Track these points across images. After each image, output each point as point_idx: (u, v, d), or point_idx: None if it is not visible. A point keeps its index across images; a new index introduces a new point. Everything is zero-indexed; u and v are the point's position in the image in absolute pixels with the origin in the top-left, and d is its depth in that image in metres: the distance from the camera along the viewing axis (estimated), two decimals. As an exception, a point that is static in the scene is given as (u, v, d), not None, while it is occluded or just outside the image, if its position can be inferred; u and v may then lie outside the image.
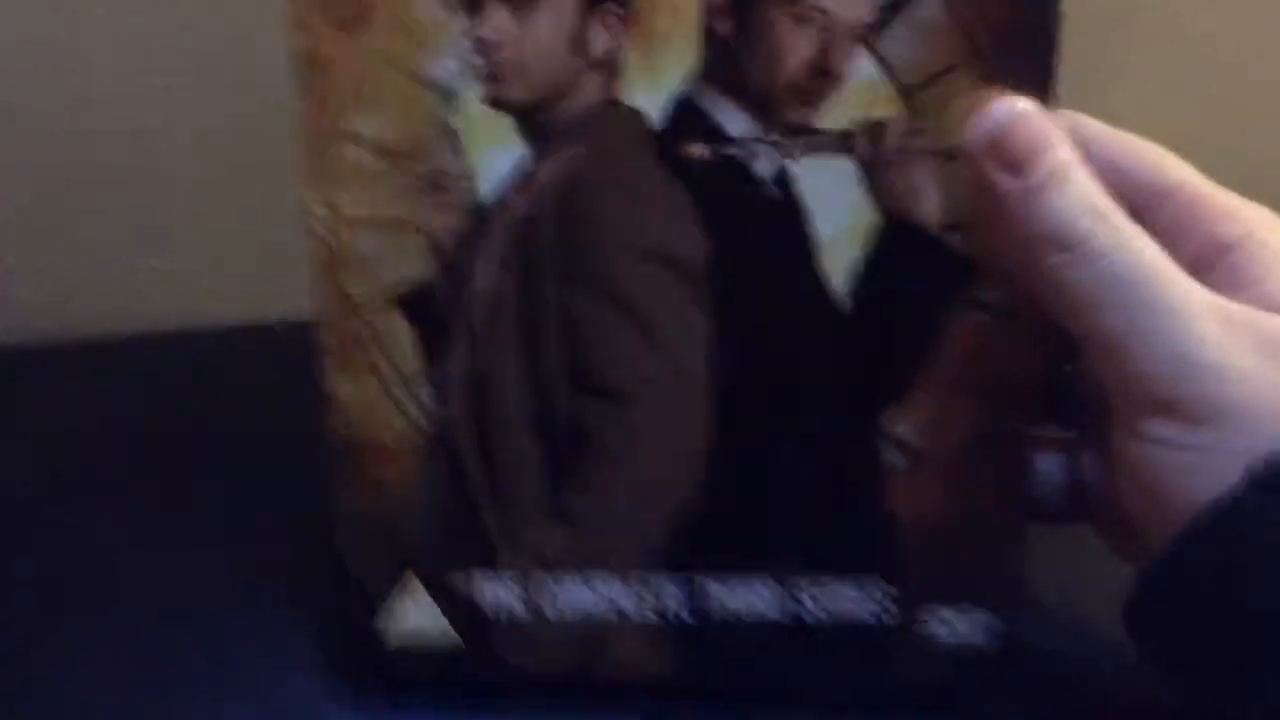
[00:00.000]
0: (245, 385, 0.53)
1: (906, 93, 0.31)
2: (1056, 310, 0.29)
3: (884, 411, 0.33)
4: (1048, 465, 0.33)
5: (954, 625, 0.35)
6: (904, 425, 0.33)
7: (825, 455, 0.34)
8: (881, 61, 0.31)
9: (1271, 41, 0.62)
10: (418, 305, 0.34)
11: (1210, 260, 0.30)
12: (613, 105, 0.32)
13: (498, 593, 0.35)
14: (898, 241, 0.32)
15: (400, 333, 0.34)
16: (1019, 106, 0.29)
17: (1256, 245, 0.30)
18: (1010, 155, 0.29)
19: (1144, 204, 0.31)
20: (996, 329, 0.32)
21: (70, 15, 0.58)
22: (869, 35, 0.31)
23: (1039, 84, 0.30)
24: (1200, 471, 0.28)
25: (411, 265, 0.33)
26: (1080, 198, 0.29)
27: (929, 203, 0.32)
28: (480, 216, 0.33)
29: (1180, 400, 0.28)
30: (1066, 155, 0.29)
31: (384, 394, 0.34)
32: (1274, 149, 0.59)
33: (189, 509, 0.46)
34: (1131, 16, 0.58)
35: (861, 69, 0.31)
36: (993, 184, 0.29)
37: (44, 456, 0.50)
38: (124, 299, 0.62)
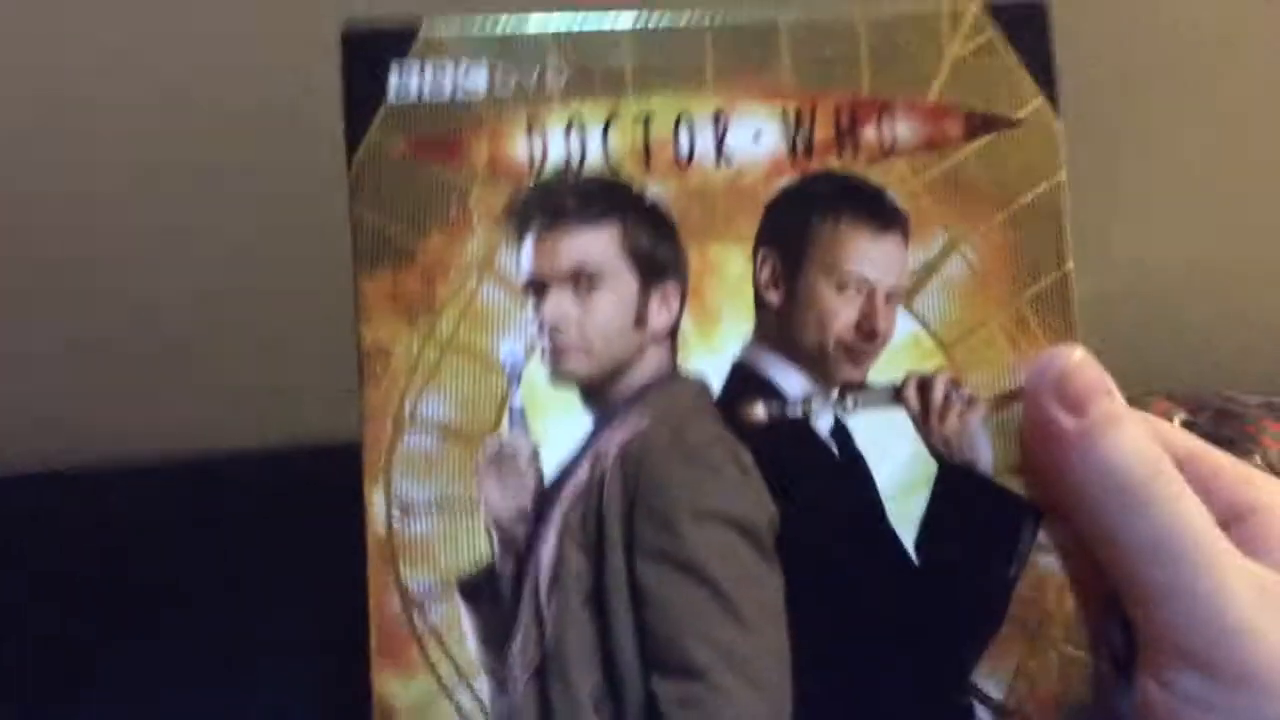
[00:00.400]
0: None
1: (947, 347, 0.33)
2: (1103, 553, 0.30)
3: (970, 669, 0.32)
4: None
5: None
6: (992, 682, 0.32)
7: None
8: (919, 319, 0.33)
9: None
10: (478, 590, 0.32)
11: (1226, 526, 0.31)
12: (674, 376, 0.33)
13: None
14: (958, 488, 0.33)
15: (458, 623, 0.32)
16: (1077, 353, 0.31)
17: (1273, 514, 0.32)
18: (1071, 397, 0.31)
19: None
20: (1065, 571, 0.33)
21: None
22: (907, 298, 0.33)
23: (1063, 335, 0.33)
24: None
25: (473, 548, 0.32)
26: (1138, 442, 0.30)
27: (982, 449, 0.33)
28: (544, 492, 0.32)
29: (1212, 659, 0.28)
30: (1123, 402, 0.31)
31: (441, 694, 0.32)
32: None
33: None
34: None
35: (904, 326, 0.33)
36: (1053, 422, 0.31)
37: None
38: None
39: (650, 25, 0.34)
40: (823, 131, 0.34)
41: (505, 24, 0.33)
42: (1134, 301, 0.61)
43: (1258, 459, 0.58)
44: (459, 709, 0.32)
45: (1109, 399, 0.31)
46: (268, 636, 0.46)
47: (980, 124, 0.34)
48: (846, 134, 0.34)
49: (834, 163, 0.34)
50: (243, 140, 0.57)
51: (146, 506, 0.56)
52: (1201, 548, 0.29)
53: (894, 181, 0.34)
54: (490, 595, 0.32)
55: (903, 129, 0.34)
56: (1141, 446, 0.30)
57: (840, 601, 0.33)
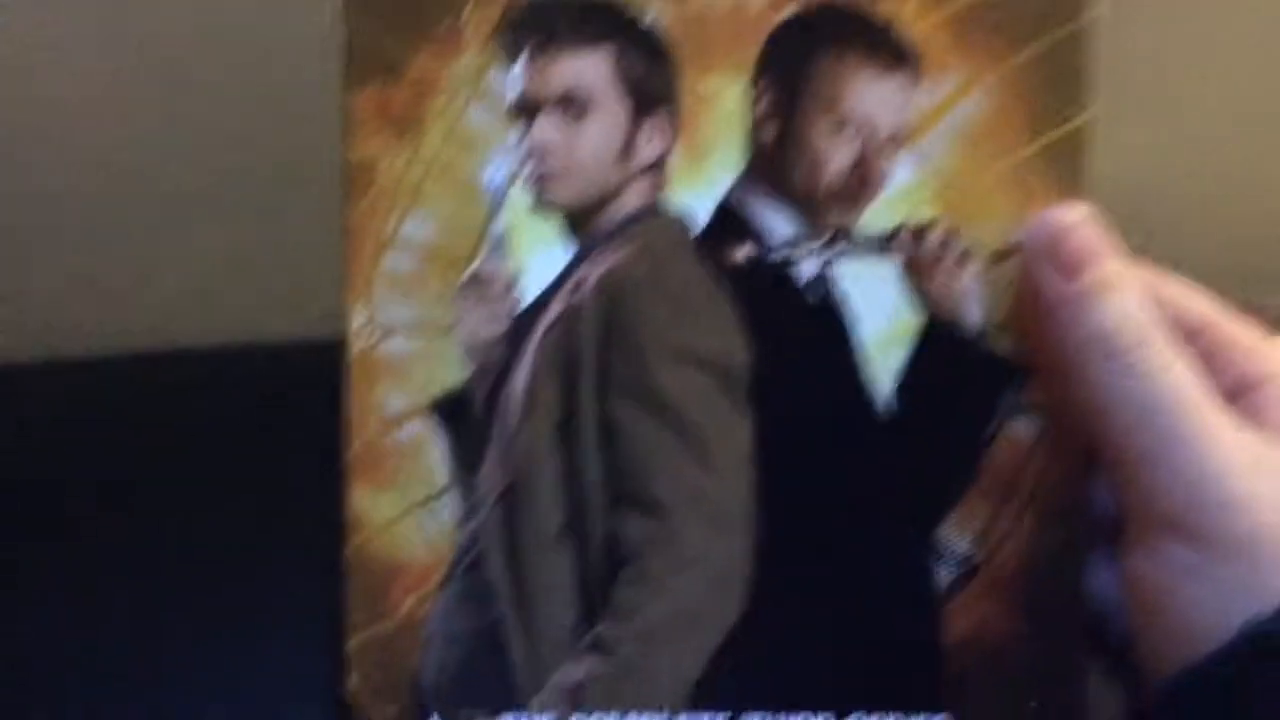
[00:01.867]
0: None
1: (947, 196, 0.32)
2: (1088, 418, 0.29)
3: (936, 524, 0.32)
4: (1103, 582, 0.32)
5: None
6: (958, 538, 0.32)
7: (877, 575, 0.33)
8: (921, 166, 0.32)
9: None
10: (451, 413, 0.33)
11: (1233, 397, 0.30)
12: (658, 209, 0.32)
13: (525, 735, 0.32)
14: (940, 344, 0.32)
15: (431, 444, 0.33)
16: (1076, 213, 0.30)
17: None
18: (1065, 259, 0.29)
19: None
20: (1045, 433, 0.32)
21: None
22: (909, 140, 0.32)
23: (1075, 188, 0.31)
24: (1208, 601, 0.27)
25: (448, 371, 0.33)
26: (1129, 309, 0.29)
27: (971, 304, 0.32)
28: (521, 320, 0.32)
29: (1202, 529, 0.28)
30: (1119, 266, 0.30)
31: (410, 510, 0.33)
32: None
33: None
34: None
35: (902, 172, 0.32)
36: (1045, 285, 0.29)
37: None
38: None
39: None
40: (834, -42, 0.32)
41: None
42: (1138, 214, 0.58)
43: None
44: (426, 530, 0.33)
45: (1104, 262, 0.29)
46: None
47: (1007, -37, 0.32)
48: (860, -38, 0.32)
49: (843, -6, 0.32)
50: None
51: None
52: (1189, 416, 0.28)
53: (907, 16, 0.32)
54: (463, 416, 0.33)
55: (920, -46, 0.32)
56: (1131, 313, 0.29)
57: (810, 449, 0.32)
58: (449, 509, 0.33)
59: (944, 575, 0.32)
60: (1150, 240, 0.32)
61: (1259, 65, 0.56)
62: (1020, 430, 0.32)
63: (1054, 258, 0.30)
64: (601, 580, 0.32)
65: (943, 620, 0.32)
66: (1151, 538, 0.29)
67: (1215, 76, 0.57)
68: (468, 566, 0.33)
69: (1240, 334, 0.32)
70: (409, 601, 0.33)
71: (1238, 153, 0.57)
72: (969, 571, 0.32)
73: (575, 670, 0.32)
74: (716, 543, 0.32)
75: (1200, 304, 0.32)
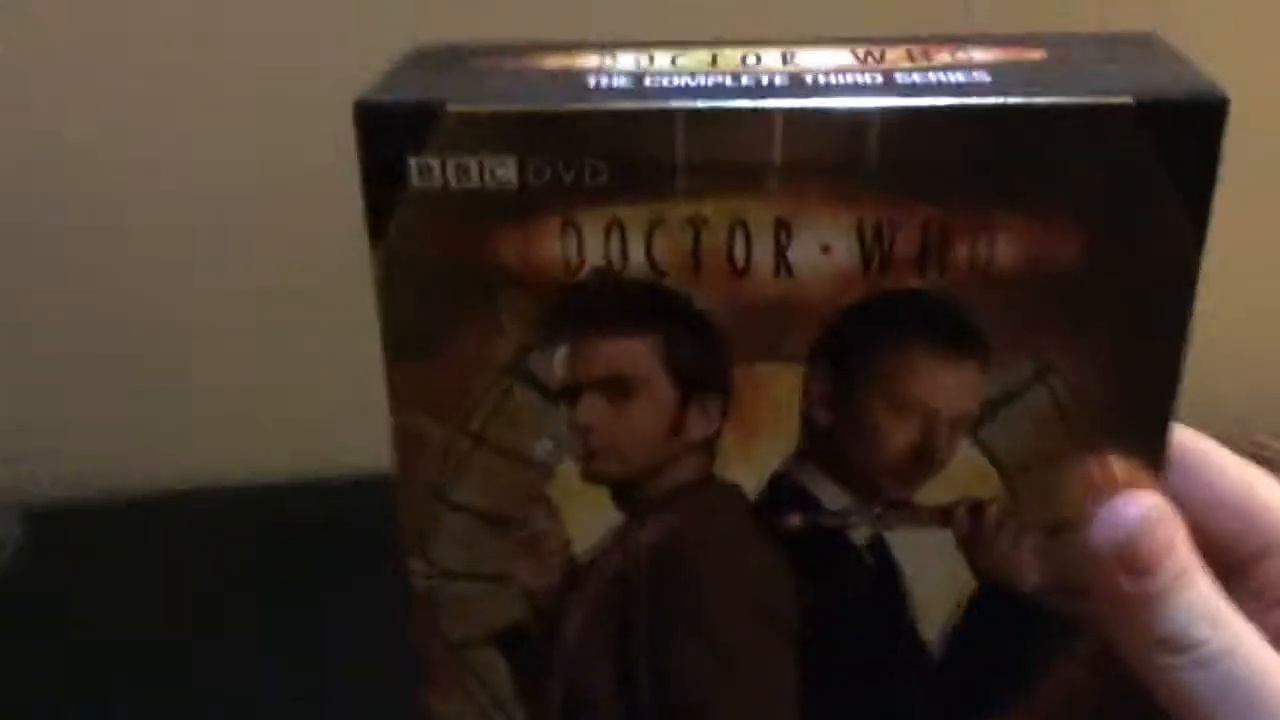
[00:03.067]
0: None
1: (1008, 475, 0.31)
2: (1170, 708, 0.30)
3: (969, 749, 0.34)
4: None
5: None
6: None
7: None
8: (984, 447, 0.31)
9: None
10: (513, 642, 0.35)
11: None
12: (710, 481, 0.32)
13: None
14: (992, 604, 0.32)
15: (496, 666, 0.35)
16: (1145, 509, 0.29)
17: None
18: (1135, 560, 0.29)
19: (1249, 554, 0.31)
20: (1088, 682, 0.33)
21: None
22: (973, 426, 0.30)
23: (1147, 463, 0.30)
24: None
25: (508, 611, 0.34)
26: (1200, 603, 0.29)
27: (1028, 573, 0.32)
28: (575, 574, 0.33)
29: None
30: (1188, 558, 0.29)
31: (480, 715, 0.35)
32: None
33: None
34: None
35: (963, 451, 0.31)
36: (1115, 586, 0.29)
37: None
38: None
39: (705, 107, 0.28)
40: (905, 247, 0.29)
41: (537, 106, 0.28)
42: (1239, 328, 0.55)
43: None
44: (497, 728, 0.36)
45: (1174, 559, 0.29)
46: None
47: (1103, 249, 0.28)
48: (934, 251, 0.29)
49: (914, 282, 0.29)
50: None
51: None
52: (1274, 694, 0.29)
53: (982, 303, 0.29)
54: (523, 648, 0.34)
55: (1004, 248, 0.29)
56: (1205, 605, 0.29)
57: (856, 688, 0.34)
58: (518, 714, 0.35)
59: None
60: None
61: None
62: (1063, 675, 0.33)
63: (1123, 558, 0.29)
64: None
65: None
66: None
67: None
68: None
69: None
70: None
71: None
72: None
73: None
74: None
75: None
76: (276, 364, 0.60)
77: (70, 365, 0.60)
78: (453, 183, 0.29)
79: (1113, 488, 0.30)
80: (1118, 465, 0.30)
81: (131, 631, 0.49)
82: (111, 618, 0.50)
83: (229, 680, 0.46)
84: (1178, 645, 0.29)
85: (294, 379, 0.58)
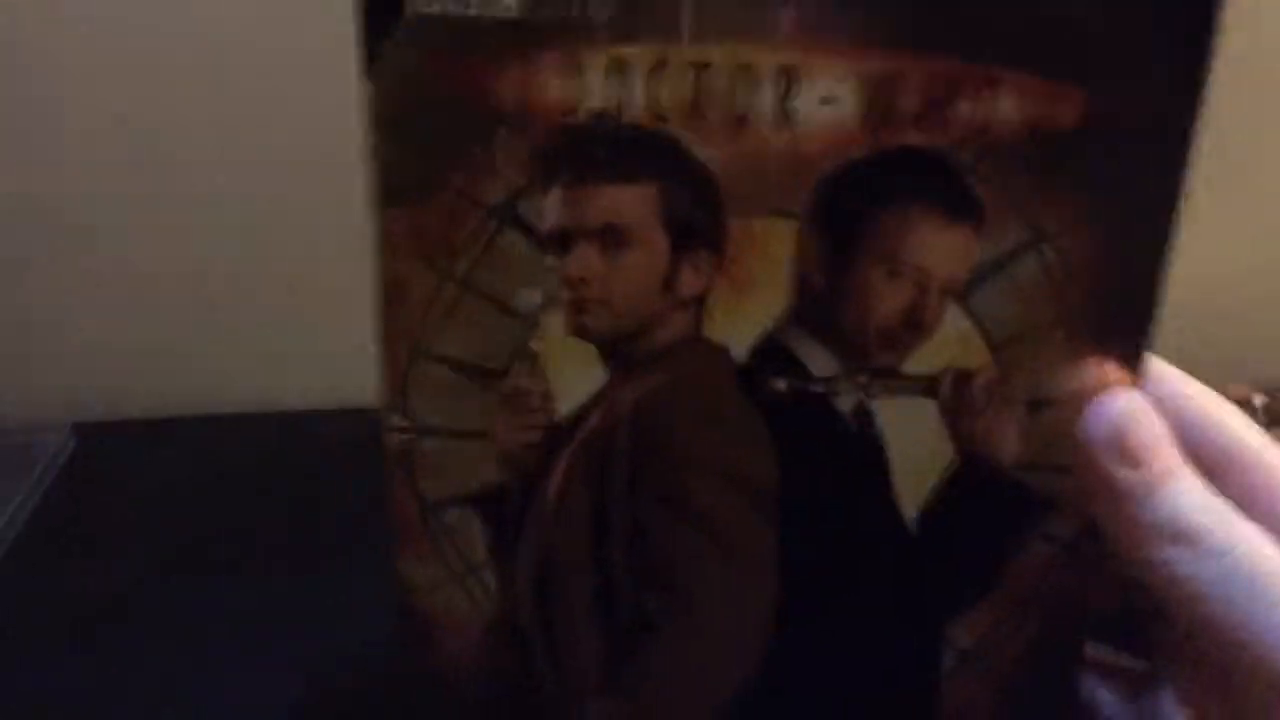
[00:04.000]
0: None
1: (996, 345, 0.31)
2: (1167, 599, 0.30)
3: (945, 622, 0.34)
4: (1110, 696, 0.35)
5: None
6: (963, 634, 0.34)
7: (884, 655, 0.35)
8: (973, 316, 0.31)
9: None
10: (489, 504, 0.34)
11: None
12: (698, 340, 0.32)
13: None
14: (972, 477, 0.32)
15: (470, 528, 0.34)
16: (1136, 403, 0.30)
17: None
18: (1129, 449, 0.29)
19: (1215, 468, 0.31)
20: (1062, 560, 0.33)
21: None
22: (963, 291, 0.30)
23: (1132, 351, 0.30)
24: None
25: (485, 472, 0.34)
26: (1197, 492, 0.29)
27: (1008, 446, 0.32)
28: (557, 434, 0.33)
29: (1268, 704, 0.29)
30: (1178, 454, 0.30)
31: (452, 579, 0.35)
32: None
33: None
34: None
35: (952, 319, 0.31)
36: (1109, 475, 0.29)
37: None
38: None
39: None
40: (908, 101, 0.29)
41: (542, -66, 0.28)
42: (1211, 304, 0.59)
43: None
44: (468, 594, 0.35)
45: (1168, 451, 0.30)
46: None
47: (1102, 110, 0.28)
48: (936, 106, 0.29)
49: (914, 138, 0.29)
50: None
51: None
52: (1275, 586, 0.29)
53: (980, 165, 0.29)
54: (499, 510, 0.34)
55: (1006, 106, 0.28)
56: (1202, 495, 0.30)
57: (831, 555, 0.34)
58: (490, 578, 0.35)
59: (946, 661, 0.35)
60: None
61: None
62: (1038, 552, 0.33)
63: (1117, 448, 0.30)
64: (627, 642, 0.35)
65: (939, 697, 0.35)
66: (1198, 693, 0.31)
67: None
68: (507, 625, 0.36)
69: None
70: (453, 648, 0.36)
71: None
72: (967, 661, 0.35)
73: (600, 709, 0.36)
74: (734, 618, 0.35)
75: (1255, 436, 0.32)
76: (309, 297, 0.64)
77: (115, 301, 0.66)
78: (451, 8, 0.28)
79: (1104, 383, 0.30)
80: (1109, 365, 0.30)
81: (164, 534, 0.55)
82: (148, 521, 0.56)
83: (249, 582, 0.51)
84: (1177, 536, 0.29)
85: (325, 313, 0.59)
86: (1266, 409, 0.57)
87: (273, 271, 0.65)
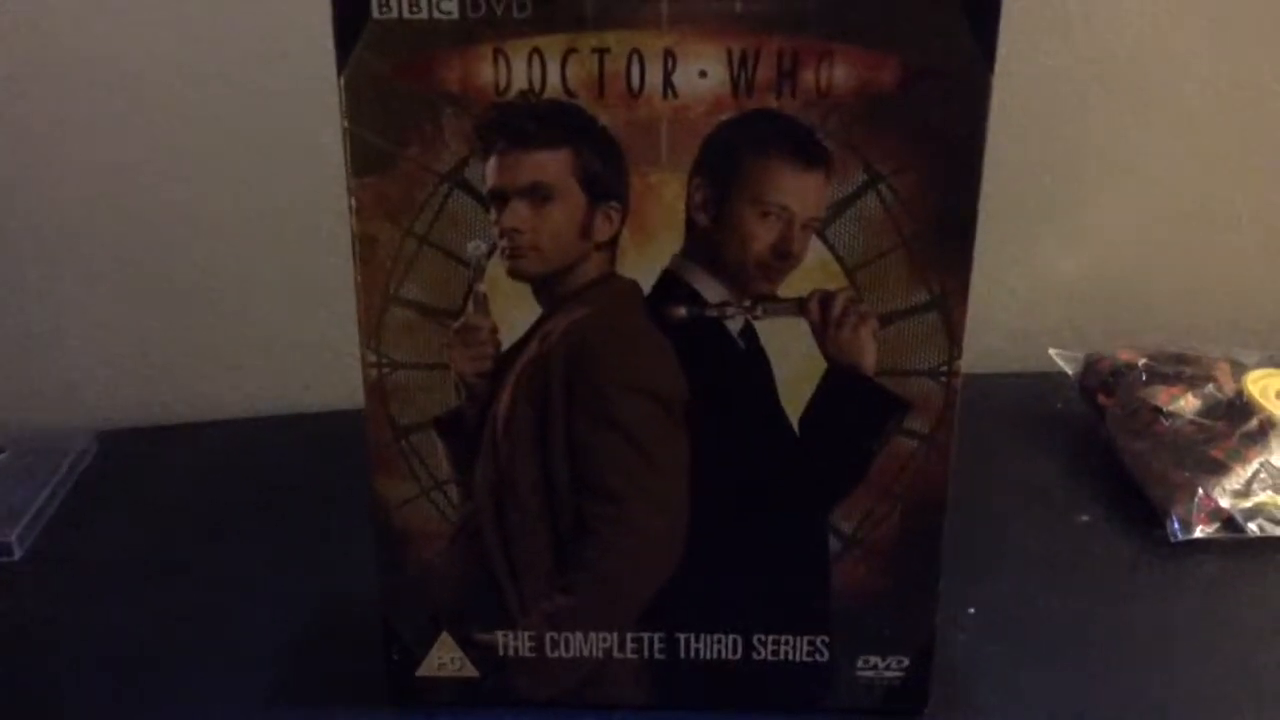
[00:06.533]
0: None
1: (850, 270, 0.39)
2: None
3: (830, 510, 0.42)
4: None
5: (876, 666, 0.44)
6: (845, 520, 0.42)
7: (781, 543, 0.42)
8: (830, 246, 0.39)
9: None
10: (450, 426, 0.41)
11: None
12: (612, 276, 0.39)
13: (512, 644, 0.44)
14: (841, 383, 0.40)
15: (435, 448, 0.42)
16: None
17: None
18: None
19: None
20: (920, 451, 0.41)
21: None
22: (821, 226, 0.38)
23: (960, 266, 0.38)
24: None
25: (446, 398, 0.41)
26: None
27: (868, 355, 0.40)
28: (502, 360, 0.40)
29: None
30: None
31: (421, 495, 0.42)
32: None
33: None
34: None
35: (814, 250, 0.39)
36: None
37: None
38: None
39: None
40: (764, 72, 0.37)
41: (474, -48, 0.36)
42: (1107, 276, 0.72)
43: (1210, 388, 0.62)
44: (435, 506, 0.42)
45: None
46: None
47: (915, 73, 0.36)
48: (786, 76, 0.37)
49: (772, 102, 0.37)
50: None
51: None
52: None
53: (824, 122, 0.37)
54: (458, 431, 0.41)
55: (840, 73, 0.37)
56: None
57: (732, 458, 0.41)
58: (453, 493, 0.42)
59: (833, 544, 0.42)
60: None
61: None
62: (899, 446, 0.41)
63: None
64: (569, 545, 0.42)
65: (830, 575, 0.43)
66: None
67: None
68: (469, 533, 0.43)
69: None
70: (424, 556, 0.43)
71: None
72: (850, 542, 0.42)
73: (550, 604, 0.43)
74: (658, 519, 0.42)
75: None
76: (321, 307, 0.70)
77: (136, 315, 0.71)
78: (406, 13, 0.36)
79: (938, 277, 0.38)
80: None
81: (181, 529, 0.60)
82: (167, 517, 0.62)
83: (254, 573, 0.56)
84: None
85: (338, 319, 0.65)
86: (1146, 368, 0.65)
87: (278, 276, 0.71)
